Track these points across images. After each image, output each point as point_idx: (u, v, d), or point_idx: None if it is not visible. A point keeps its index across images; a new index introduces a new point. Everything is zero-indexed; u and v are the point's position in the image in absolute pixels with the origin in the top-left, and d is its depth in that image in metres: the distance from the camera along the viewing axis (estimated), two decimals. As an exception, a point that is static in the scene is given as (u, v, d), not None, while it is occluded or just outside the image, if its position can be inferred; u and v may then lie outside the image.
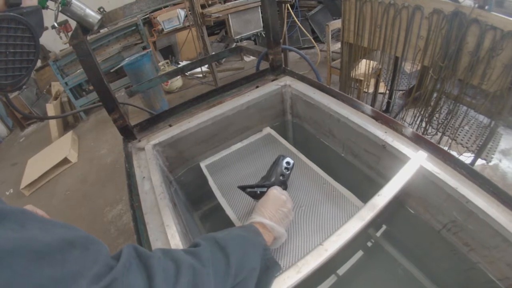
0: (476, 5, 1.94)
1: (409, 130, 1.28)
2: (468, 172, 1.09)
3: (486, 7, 1.94)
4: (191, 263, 0.66)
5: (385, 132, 1.31)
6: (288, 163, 1.37)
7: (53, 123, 4.97)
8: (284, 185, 1.29)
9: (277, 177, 1.31)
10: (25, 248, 0.41)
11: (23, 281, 0.39)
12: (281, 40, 1.93)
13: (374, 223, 0.96)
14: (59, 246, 0.45)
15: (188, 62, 5.66)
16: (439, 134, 2.79)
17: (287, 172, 1.34)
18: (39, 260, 0.42)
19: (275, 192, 1.12)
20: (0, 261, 0.38)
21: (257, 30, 5.03)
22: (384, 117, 1.38)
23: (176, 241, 1.00)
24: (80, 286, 0.44)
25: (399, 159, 1.23)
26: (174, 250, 0.69)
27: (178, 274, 0.61)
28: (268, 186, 1.22)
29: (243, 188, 1.28)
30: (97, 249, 0.52)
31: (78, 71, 4.98)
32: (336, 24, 3.55)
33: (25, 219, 0.45)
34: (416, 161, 1.14)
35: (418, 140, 1.25)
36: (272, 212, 1.04)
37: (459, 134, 3.00)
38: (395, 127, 1.33)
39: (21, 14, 0.65)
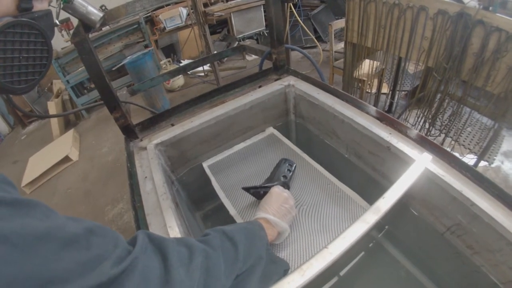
0: (481, 6, 1.93)
1: (414, 132, 1.27)
2: (473, 175, 1.08)
3: (490, 8, 1.92)
4: (203, 247, 0.72)
5: (390, 134, 1.30)
6: (290, 165, 1.47)
7: (54, 121, 4.97)
8: (286, 185, 1.32)
9: (279, 178, 1.39)
10: (53, 236, 0.45)
11: (54, 266, 0.44)
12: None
13: (377, 225, 0.96)
14: (82, 233, 0.50)
15: (190, 60, 5.66)
16: (442, 135, 2.77)
17: (289, 174, 1.42)
18: (66, 246, 0.46)
19: (277, 190, 1.20)
20: (31, 248, 0.42)
21: (259, 29, 5.02)
22: (389, 118, 1.37)
23: (178, 243, 1.00)
24: (104, 268, 0.49)
25: (403, 161, 1.21)
26: (186, 238, 0.77)
27: (191, 256, 0.67)
28: (271, 187, 1.25)
29: (247, 189, 1.37)
30: (115, 236, 0.56)
31: (80, 69, 4.97)
32: (339, 23, 3.54)
33: (48, 211, 0.49)
34: (421, 163, 1.12)
35: (423, 142, 1.24)
36: (275, 208, 1.11)
37: (461, 135, 3.00)
38: (400, 129, 1.32)
39: (33, 19, 0.65)
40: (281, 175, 1.42)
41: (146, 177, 1.32)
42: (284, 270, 0.94)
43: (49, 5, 0.74)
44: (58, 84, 5.43)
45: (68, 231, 0.48)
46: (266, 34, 5.23)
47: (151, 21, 5.54)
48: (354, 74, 3.30)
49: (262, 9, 4.81)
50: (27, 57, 0.66)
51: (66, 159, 4.18)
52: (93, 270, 0.48)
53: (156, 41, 5.77)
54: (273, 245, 1.16)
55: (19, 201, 0.45)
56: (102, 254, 0.51)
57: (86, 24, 1.15)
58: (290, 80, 1.84)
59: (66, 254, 0.46)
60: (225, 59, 6.17)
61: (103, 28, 4.94)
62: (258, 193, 1.34)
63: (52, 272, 0.43)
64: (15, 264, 0.40)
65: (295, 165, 1.50)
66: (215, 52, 2.90)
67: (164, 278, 0.59)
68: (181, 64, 5.51)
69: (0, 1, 0.60)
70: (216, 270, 0.71)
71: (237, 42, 5.22)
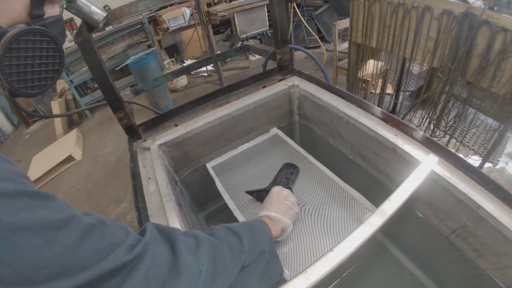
0: (486, 6, 1.92)
1: (419, 134, 1.26)
2: (479, 177, 1.07)
3: (496, 8, 1.91)
4: (209, 237, 0.76)
5: (395, 135, 1.29)
6: (292, 168, 1.51)
7: (58, 121, 4.99)
8: (288, 187, 1.34)
9: (282, 181, 1.43)
10: (71, 226, 0.49)
11: (73, 254, 0.48)
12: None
13: (381, 227, 0.96)
14: (96, 224, 0.54)
15: (193, 60, 5.66)
16: (447, 136, 2.76)
17: (292, 177, 1.46)
18: (83, 235, 0.50)
19: (277, 189, 1.24)
20: (52, 236, 0.46)
21: (262, 29, 5.02)
22: (394, 119, 1.36)
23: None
24: (118, 254, 0.53)
25: (409, 163, 1.20)
26: (192, 230, 0.79)
27: (198, 245, 0.71)
28: None
29: (250, 193, 1.43)
30: (125, 227, 0.61)
31: (83, 69, 4.99)
32: (342, 24, 3.54)
33: (63, 204, 0.53)
34: (427, 165, 1.12)
35: (429, 144, 1.22)
36: (276, 205, 1.15)
37: (466, 137, 2.98)
38: (405, 130, 1.31)
39: (45, 26, 0.66)
40: (284, 178, 1.45)
41: (149, 178, 1.31)
42: (279, 274, 0.96)
43: (60, 11, 0.75)
44: (61, 84, 5.45)
45: (84, 222, 0.52)
46: (269, 34, 5.23)
47: (155, 21, 5.55)
48: (359, 75, 3.29)
49: (266, 9, 4.81)
50: (39, 63, 0.68)
51: (69, 158, 4.20)
52: (107, 257, 0.51)
53: (159, 41, 5.78)
54: (277, 242, 1.17)
55: (39, 194, 0.49)
56: (115, 242, 0.54)
57: (89, 24, 1.14)
58: (294, 80, 1.83)
59: (83, 243, 0.49)
60: (229, 59, 6.16)
61: (107, 28, 4.96)
62: (261, 195, 1.36)
63: (72, 260, 0.47)
64: (37, 251, 0.44)
65: (297, 168, 1.52)
66: (219, 52, 2.89)
67: (172, 263, 0.62)
68: (184, 64, 5.52)
69: (12, 8, 0.60)
70: (222, 258, 0.74)
71: (240, 42, 5.23)
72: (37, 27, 0.64)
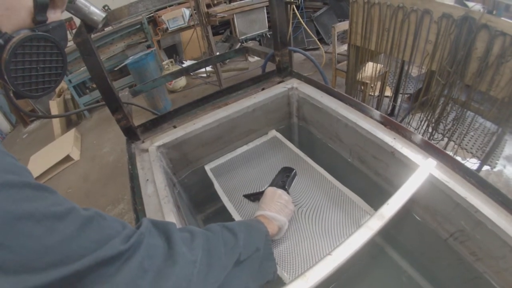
0: (486, 10, 1.92)
1: (418, 137, 1.26)
2: (477, 181, 1.07)
3: (494, 12, 1.92)
4: (203, 231, 0.79)
5: (394, 139, 1.29)
6: (289, 171, 1.51)
7: (56, 121, 4.98)
8: (284, 189, 1.33)
9: (278, 183, 1.43)
10: (71, 217, 0.52)
11: (72, 243, 0.50)
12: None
13: (380, 230, 0.96)
14: (95, 216, 0.56)
15: (193, 61, 5.65)
16: (445, 139, 2.76)
17: (287, 179, 1.46)
18: (82, 226, 0.52)
19: (270, 188, 1.28)
20: (53, 225, 0.48)
21: (262, 31, 5.00)
22: (393, 123, 1.36)
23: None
24: (114, 244, 0.55)
25: (408, 166, 1.20)
26: (187, 226, 0.83)
27: (193, 237, 0.73)
28: None
29: (248, 196, 1.46)
30: (122, 221, 0.63)
31: (82, 68, 4.98)
32: (342, 26, 3.54)
33: (63, 198, 0.55)
34: (425, 169, 1.12)
35: (427, 147, 1.22)
36: (271, 205, 1.18)
37: (464, 139, 2.99)
38: (404, 134, 1.31)
39: (47, 31, 0.69)
40: (280, 180, 1.45)
41: (147, 179, 1.31)
42: (273, 272, 0.97)
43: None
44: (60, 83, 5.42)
45: (83, 214, 0.54)
46: (269, 36, 5.22)
47: (154, 21, 5.55)
48: (357, 77, 3.29)
49: (265, 11, 4.81)
50: (43, 67, 0.71)
51: (67, 158, 4.18)
52: (104, 245, 0.54)
53: (158, 41, 5.77)
54: (274, 241, 1.18)
55: (41, 186, 0.52)
56: (112, 234, 0.57)
57: (88, 25, 1.13)
58: (293, 82, 1.82)
59: (82, 233, 0.52)
60: (228, 60, 6.16)
61: (106, 28, 4.95)
62: (258, 198, 1.37)
63: (70, 248, 0.49)
64: (38, 239, 0.46)
65: (294, 171, 1.52)
66: (218, 53, 2.89)
67: (167, 253, 0.65)
68: (183, 65, 5.51)
69: (17, 15, 0.63)
70: (216, 250, 0.76)
71: (239, 44, 5.23)
72: (40, 33, 0.66)
